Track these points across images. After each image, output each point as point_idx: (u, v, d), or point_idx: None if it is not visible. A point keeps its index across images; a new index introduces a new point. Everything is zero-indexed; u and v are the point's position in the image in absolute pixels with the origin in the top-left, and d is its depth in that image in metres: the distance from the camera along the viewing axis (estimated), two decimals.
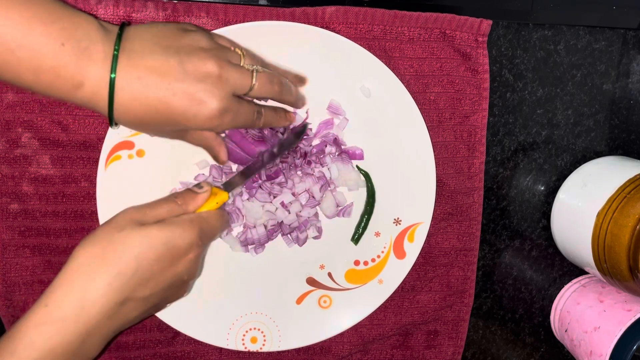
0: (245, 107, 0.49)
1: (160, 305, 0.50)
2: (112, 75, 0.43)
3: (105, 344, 0.46)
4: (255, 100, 0.53)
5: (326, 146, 0.59)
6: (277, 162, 0.57)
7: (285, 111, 0.55)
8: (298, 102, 0.55)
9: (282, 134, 0.57)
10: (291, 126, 0.57)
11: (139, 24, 0.47)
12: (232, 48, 0.49)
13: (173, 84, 0.44)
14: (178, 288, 0.50)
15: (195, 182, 0.57)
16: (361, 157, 0.60)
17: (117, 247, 0.44)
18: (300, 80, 0.56)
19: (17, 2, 0.41)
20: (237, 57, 0.48)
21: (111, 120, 0.45)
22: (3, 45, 0.40)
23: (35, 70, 0.42)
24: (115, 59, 0.43)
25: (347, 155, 0.59)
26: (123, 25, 0.45)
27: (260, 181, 0.57)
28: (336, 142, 0.59)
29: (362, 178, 0.60)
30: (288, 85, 0.53)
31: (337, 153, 0.59)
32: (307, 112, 0.58)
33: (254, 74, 0.48)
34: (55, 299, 0.43)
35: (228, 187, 0.53)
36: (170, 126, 0.46)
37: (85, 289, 0.43)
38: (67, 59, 0.42)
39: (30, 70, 0.42)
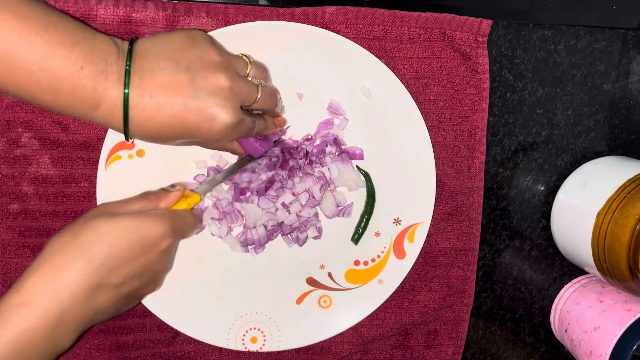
0: (248, 119, 0.50)
1: (132, 298, 0.50)
2: (126, 91, 0.43)
3: (79, 334, 0.46)
4: None
5: (326, 146, 0.59)
6: (265, 166, 0.58)
7: (272, 118, 0.56)
8: (281, 115, 0.57)
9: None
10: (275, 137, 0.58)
11: (147, 37, 0.47)
12: (239, 55, 0.50)
13: (185, 100, 0.45)
14: (149, 280, 0.50)
15: (193, 182, 0.58)
16: (361, 157, 0.60)
17: (89, 233, 0.45)
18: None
19: (38, 26, 0.41)
20: (244, 65, 0.49)
21: (127, 137, 0.46)
22: (25, 69, 0.41)
23: (54, 92, 0.42)
24: (127, 74, 0.44)
25: (347, 155, 0.59)
26: (132, 41, 0.46)
27: (252, 193, 0.58)
28: (336, 142, 0.59)
29: (362, 178, 0.60)
30: (280, 99, 0.55)
31: (337, 153, 0.59)
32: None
33: (259, 89, 0.49)
34: (27, 284, 0.44)
35: (200, 188, 0.54)
36: (184, 139, 0.48)
37: (58, 274, 0.44)
38: (85, 82, 0.43)
39: (50, 92, 0.42)
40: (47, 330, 0.43)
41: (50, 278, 0.44)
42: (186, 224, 0.51)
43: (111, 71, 0.43)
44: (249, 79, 0.49)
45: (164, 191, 0.52)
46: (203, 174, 0.57)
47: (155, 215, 0.48)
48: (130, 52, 0.44)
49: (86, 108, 0.44)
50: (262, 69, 0.52)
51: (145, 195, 0.51)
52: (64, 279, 0.44)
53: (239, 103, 0.47)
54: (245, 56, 0.50)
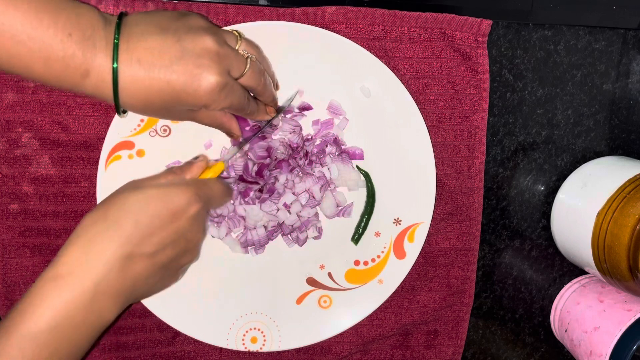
0: (239, 88, 0.49)
1: (172, 269, 0.50)
2: (115, 65, 0.44)
3: (119, 305, 0.47)
4: None
5: (326, 146, 0.59)
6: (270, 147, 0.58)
7: (265, 105, 0.55)
8: (271, 105, 0.56)
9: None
10: (275, 131, 0.58)
11: (138, 12, 0.48)
12: (229, 29, 0.50)
13: (172, 62, 0.45)
14: (184, 249, 0.50)
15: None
16: (361, 157, 0.60)
17: (116, 206, 0.47)
18: (277, 86, 0.57)
19: None
20: (234, 39, 0.49)
21: (118, 108, 0.46)
22: (14, 37, 0.42)
23: (45, 61, 0.43)
24: (116, 47, 0.44)
25: (347, 155, 0.59)
26: (122, 15, 0.46)
27: (256, 194, 0.58)
28: (336, 142, 0.59)
29: (362, 178, 0.60)
30: (270, 83, 0.54)
31: (337, 153, 0.59)
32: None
33: (248, 61, 0.49)
34: (62, 258, 0.45)
35: (222, 157, 0.55)
36: (173, 104, 0.47)
37: (89, 245, 0.45)
38: (74, 49, 0.43)
39: (41, 61, 0.43)
40: (84, 301, 0.44)
41: (82, 250, 0.45)
42: (213, 190, 0.51)
43: (99, 37, 0.44)
44: (239, 51, 0.49)
45: (188, 163, 0.52)
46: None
47: (180, 183, 0.49)
48: (118, 26, 0.45)
49: (77, 77, 0.44)
50: (253, 46, 0.51)
51: (171, 170, 0.51)
52: (96, 250, 0.45)
53: (226, 67, 0.47)
54: (236, 31, 0.50)
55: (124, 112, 0.48)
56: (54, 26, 0.42)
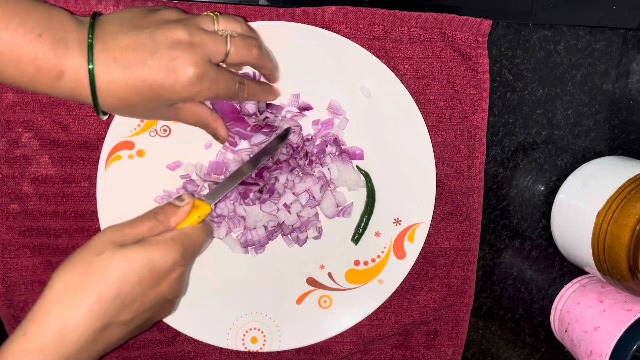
0: (224, 74, 0.48)
1: (145, 326, 0.49)
2: (90, 66, 0.43)
3: None
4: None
5: (326, 146, 0.59)
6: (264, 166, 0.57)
7: (270, 85, 0.54)
8: (275, 73, 0.54)
9: (268, 134, 0.57)
10: (276, 131, 0.57)
11: (111, 12, 0.48)
12: (205, 13, 0.49)
13: (146, 58, 0.44)
14: (162, 308, 0.49)
15: (178, 193, 0.56)
16: (361, 157, 0.60)
17: (97, 271, 0.43)
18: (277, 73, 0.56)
19: None
20: (210, 21, 0.48)
21: (97, 108, 0.45)
22: None
23: (16, 63, 0.42)
24: (90, 47, 0.43)
25: (347, 155, 0.59)
26: (95, 15, 0.46)
27: (256, 194, 0.58)
28: (336, 142, 0.59)
29: (362, 178, 0.60)
30: (266, 49, 0.52)
31: (337, 153, 0.59)
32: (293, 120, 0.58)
33: (228, 39, 0.47)
34: (34, 328, 0.42)
35: (211, 197, 0.51)
36: (153, 102, 0.46)
37: (64, 317, 0.42)
38: (45, 50, 0.42)
39: (12, 64, 0.42)
40: None
41: (57, 322, 0.42)
42: (197, 244, 0.49)
43: (71, 38, 0.43)
44: (218, 32, 0.47)
45: (171, 206, 0.49)
46: (190, 176, 0.57)
47: (166, 242, 0.46)
48: (92, 25, 0.44)
49: (50, 78, 0.43)
50: (233, 22, 0.49)
51: (153, 215, 0.48)
52: (71, 323, 0.42)
53: (203, 56, 0.46)
54: (212, 12, 0.49)
55: (105, 113, 0.47)
56: (22, 27, 0.42)
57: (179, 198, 0.50)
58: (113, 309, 0.43)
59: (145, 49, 0.44)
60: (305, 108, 0.58)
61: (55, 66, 0.43)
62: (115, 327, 0.45)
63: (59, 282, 0.43)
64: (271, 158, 0.57)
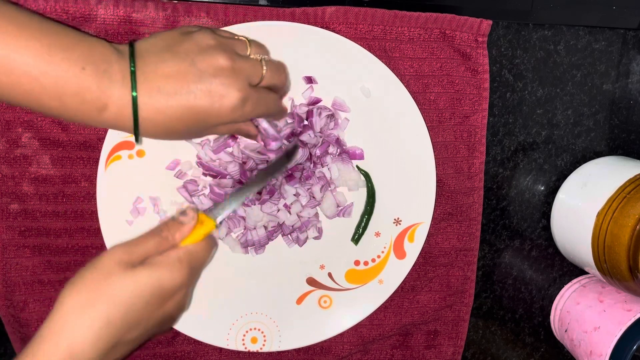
0: (265, 93, 0.49)
1: (148, 340, 0.50)
2: (134, 94, 0.44)
3: None
4: None
5: (329, 147, 0.59)
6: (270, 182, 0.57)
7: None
8: (286, 93, 0.56)
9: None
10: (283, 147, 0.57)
11: (144, 38, 0.48)
12: (236, 37, 0.50)
13: (191, 86, 0.45)
14: (166, 324, 0.50)
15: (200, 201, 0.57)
16: (361, 157, 0.60)
17: (105, 294, 0.43)
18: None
19: (35, 32, 0.42)
20: (244, 46, 0.49)
21: (137, 138, 0.46)
22: (27, 75, 0.41)
23: (60, 97, 0.42)
24: (133, 75, 0.44)
25: (347, 155, 0.59)
26: (132, 43, 0.46)
27: (255, 195, 0.58)
28: (338, 142, 0.59)
29: (362, 178, 0.60)
30: (288, 74, 0.54)
31: (337, 153, 0.59)
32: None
33: (263, 63, 0.49)
34: (43, 350, 0.42)
35: (215, 212, 0.51)
36: (197, 127, 0.47)
37: (73, 339, 0.42)
38: (89, 83, 0.43)
39: (56, 97, 0.42)
40: None
41: (66, 345, 0.42)
42: (203, 262, 0.49)
43: (114, 71, 0.44)
44: (251, 57, 0.49)
45: (176, 222, 0.48)
46: (195, 180, 0.57)
47: (173, 264, 0.46)
48: (132, 54, 0.45)
49: (93, 110, 0.44)
50: (262, 47, 0.51)
51: (158, 232, 0.47)
52: (80, 346, 0.42)
53: (244, 80, 0.47)
54: (244, 37, 0.50)
55: (141, 138, 0.47)
56: (67, 61, 0.42)
57: (183, 213, 0.49)
58: (121, 330, 0.44)
59: (188, 77, 0.45)
60: (313, 102, 0.58)
61: (99, 98, 0.43)
62: (121, 346, 0.45)
63: (68, 303, 0.43)
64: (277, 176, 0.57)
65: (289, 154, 0.55)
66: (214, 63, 0.46)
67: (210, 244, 0.50)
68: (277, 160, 0.55)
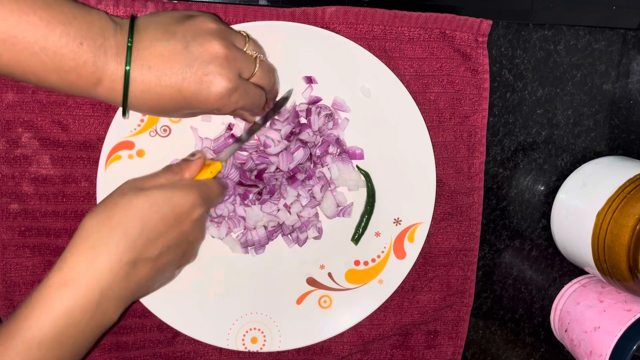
0: (252, 89, 0.50)
1: (170, 270, 0.51)
2: (127, 68, 0.44)
3: (122, 309, 0.47)
4: None
5: (329, 146, 0.59)
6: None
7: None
8: (272, 101, 0.56)
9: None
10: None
11: (146, 15, 0.48)
12: (238, 31, 0.51)
13: (182, 69, 0.45)
14: (185, 250, 0.51)
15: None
16: (361, 157, 0.60)
17: (121, 210, 0.46)
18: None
19: (35, 5, 0.42)
20: (242, 40, 0.50)
21: (125, 111, 0.47)
22: (27, 49, 0.42)
23: (58, 71, 0.43)
24: (129, 51, 0.44)
25: (347, 155, 0.59)
26: (133, 18, 0.46)
27: (256, 196, 0.58)
28: (338, 142, 0.59)
29: (362, 178, 0.60)
30: (278, 80, 0.55)
31: (337, 153, 0.59)
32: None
33: (257, 61, 0.49)
34: (67, 264, 0.44)
35: (220, 157, 0.54)
36: (185, 109, 0.48)
37: (95, 252, 0.44)
38: (85, 58, 0.43)
39: (54, 71, 0.43)
40: (89, 309, 0.44)
41: (88, 257, 0.44)
42: (213, 192, 0.52)
43: (109, 45, 0.44)
44: (247, 52, 0.49)
45: (186, 161, 0.51)
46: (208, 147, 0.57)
47: (184, 185, 0.49)
48: (131, 28, 0.45)
49: (89, 85, 0.44)
50: (259, 47, 0.52)
51: (169, 169, 0.51)
52: (101, 257, 0.45)
53: (236, 71, 0.47)
54: (244, 32, 0.51)
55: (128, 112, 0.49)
56: (65, 36, 0.42)
57: (192, 154, 0.52)
58: (140, 244, 0.46)
59: (181, 59, 0.45)
60: (314, 102, 0.58)
61: (94, 73, 0.44)
62: (143, 264, 0.47)
63: (88, 223, 0.46)
64: (277, 170, 0.58)
65: (283, 99, 0.56)
66: (209, 48, 0.46)
67: (220, 182, 0.53)
68: (275, 105, 0.56)
